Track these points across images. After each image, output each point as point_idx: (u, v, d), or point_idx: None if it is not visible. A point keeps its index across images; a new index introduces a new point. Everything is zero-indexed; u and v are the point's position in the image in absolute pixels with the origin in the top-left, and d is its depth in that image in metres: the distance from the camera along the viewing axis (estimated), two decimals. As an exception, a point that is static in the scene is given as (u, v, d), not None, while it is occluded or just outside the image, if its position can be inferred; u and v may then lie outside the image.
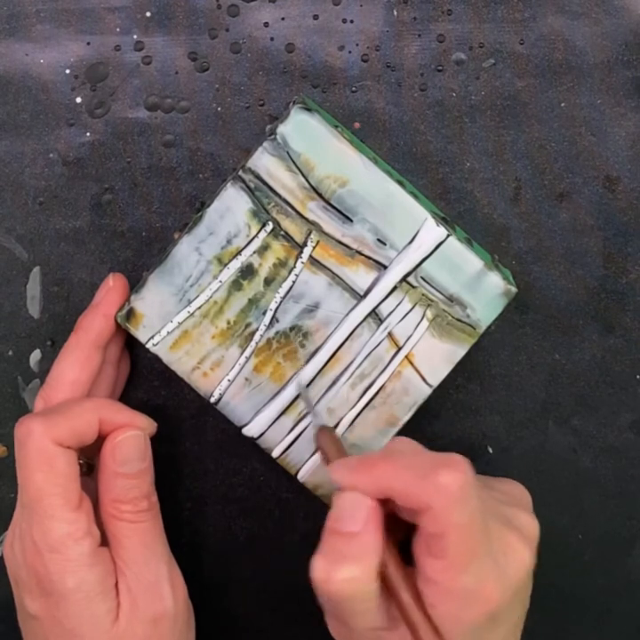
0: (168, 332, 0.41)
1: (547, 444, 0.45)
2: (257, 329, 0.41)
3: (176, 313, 0.41)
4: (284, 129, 0.39)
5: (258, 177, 0.40)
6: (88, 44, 0.44)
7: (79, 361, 0.41)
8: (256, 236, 0.40)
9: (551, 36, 0.44)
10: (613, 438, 0.45)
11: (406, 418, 0.41)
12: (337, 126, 0.40)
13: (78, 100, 0.44)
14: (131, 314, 0.41)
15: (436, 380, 0.41)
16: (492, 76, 0.44)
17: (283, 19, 0.44)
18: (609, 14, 0.44)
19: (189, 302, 0.41)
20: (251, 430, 0.41)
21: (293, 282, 0.40)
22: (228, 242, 0.40)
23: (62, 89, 0.44)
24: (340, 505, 0.35)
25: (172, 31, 0.44)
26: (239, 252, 0.40)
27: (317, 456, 0.41)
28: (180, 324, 0.41)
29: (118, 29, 0.44)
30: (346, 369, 0.41)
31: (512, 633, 0.37)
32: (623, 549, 0.46)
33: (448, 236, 0.40)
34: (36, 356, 0.45)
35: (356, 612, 0.35)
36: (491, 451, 0.45)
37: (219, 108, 0.44)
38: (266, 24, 0.44)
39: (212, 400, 0.41)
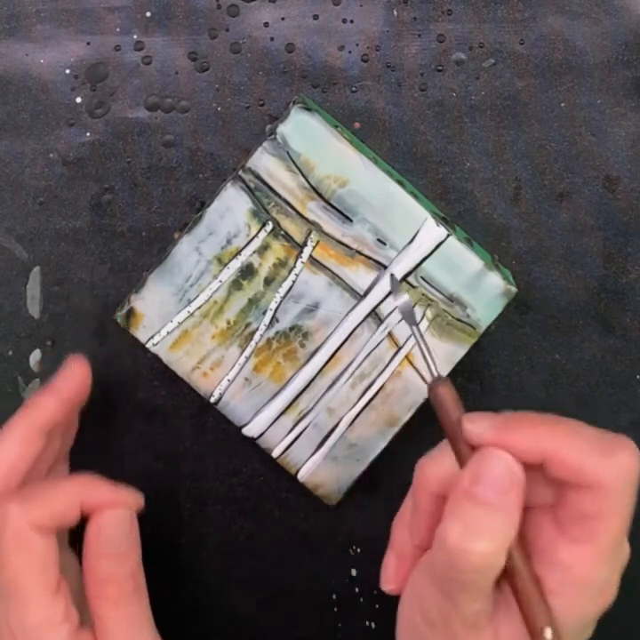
0: (168, 332, 0.41)
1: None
2: (257, 329, 0.41)
3: (176, 313, 0.41)
4: (283, 129, 0.39)
5: (258, 177, 0.40)
6: (88, 44, 0.44)
7: (19, 442, 0.38)
8: (256, 235, 0.40)
9: (551, 36, 0.44)
10: (613, 438, 0.45)
11: (406, 418, 0.41)
12: (337, 126, 0.40)
13: (78, 100, 0.44)
14: (131, 314, 0.41)
15: None
16: (492, 76, 0.44)
17: (283, 19, 0.44)
18: (609, 14, 0.44)
19: (189, 302, 0.41)
20: (251, 430, 0.41)
21: (293, 282, 0.40)
22: (228, 242, 0.40)
23: (62, 89, 0.44)
24: (482, 465, 0.32)
25: (172, 31, 0.44)
26: (239, 252, 0.40)
27: (317, 456, 0.41)
28: (179, 323, 0.41)
29: (118, 29, 0.44)
30: (346, 369, 0.41)
31: None
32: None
33: (448, 235, 0.40)
34: (35, 355, 0.45)
35: (473, 589, 0.32)
36: (491, 451, 0.45)
37: (219, 108, 0.44)
38: (266, 24, 0.44)
39: (212, 400, 0.41)
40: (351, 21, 0.44)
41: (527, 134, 0.44)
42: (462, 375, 0.45)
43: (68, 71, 0.44)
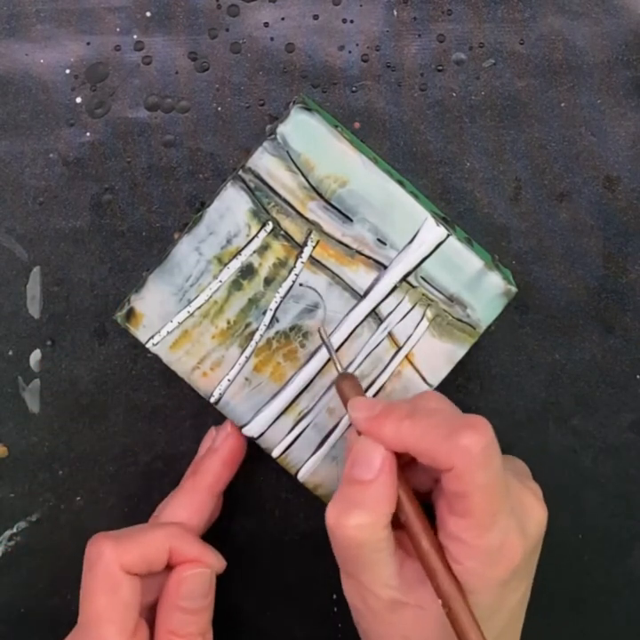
0: (168, 332, 0.41)
1: (547, 444, 0.45)
2: (257, 329, 0.41)
3: (176, 313, 0.41)
4: (283, 129, 0.39)
5: (258, 177, 0.40)
6: (88, 44, 0.44)
7: (193, 505, 0.41)
8: (256, 235, 0.40)
9: (551, 36, 0.44)
10: (613, 438, 0.45)
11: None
12: (337, 126, 0.40)
13: (78, 100, 0.44)
14: (131, 313, 0.41)
15: (436, 379, 0.41)
16: (492, 76, 0.44)
17: (283, 19, 0.44)
18: (609, 14, 0.44)
19: (189, 302, 0.41)
20: (251, 430, 0.41)
21: (293, 282, 0.40)
22: (228, 242, 0.40)
23: (62, 89, 0.44)
24: (356, 452, 0.36)
25: (172, 31, 0.44)
26: (239, 252, 0.40)
27: (317, 456, 0.41)
28: (179, 323, 0.41)
29: (118, 29, 0.44)
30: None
31: (528, 588, 0.38)
32: (623, 549, 0.46)
33: (448, 235, 0.40)
34: (36, 355, 0.45)
35: (367, 564, 0.35)
36: (491, 451, 0.45)
37: (219, 108, 0.44)
38: (266, 24, 0.44)
39: (212, 400, 0.41)
40: (351, 21, 0.44)
41: (527, 134, 0.44)
42: (462, 375, 0.45)
43: (68, 71, 0.44)
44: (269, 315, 0.41)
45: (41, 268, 0.45)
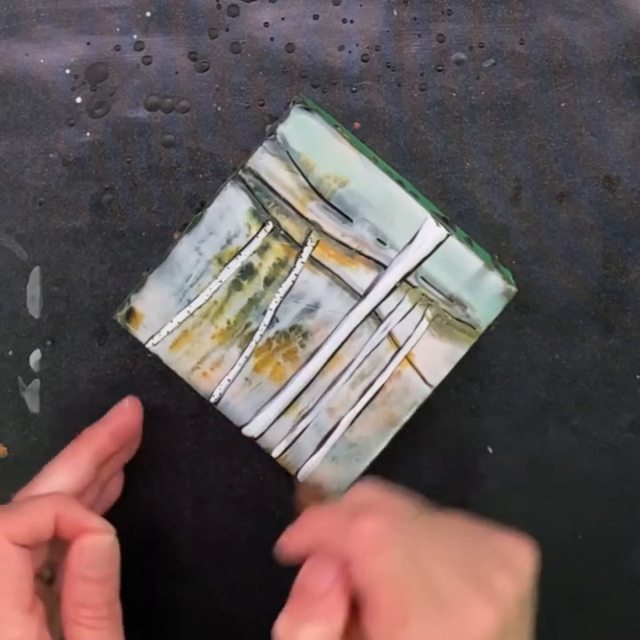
0: (168, 332, 0.41)
1: (547, 444, 0.45)
2: (257, 329, 0.41)
3: (176, 313, 0.41)
4: (283, 129, 0.39)
5: (258, 177, 0.40)
6: (88, 44, 0.44)
7: (72, 471, 0.40)
8: (256, 235, 0.40)
9: (551, 36, 0.44)
10: (613, 438, 0.45)
11: (406, 417, 0.41)
12: (337, 126, 0.40)
13: (78, 100, 0.44)
14: (131, 313, 0.41)
15: (436, 379, 0.41)
16: (492, 76, 0.44)
17: (283, 19, 0.44)
18: (609, 14, 0.44)
19: (189, 302, 0.41)
20: (250, 430, 0.41)
21: (293, 282, 0.40)
22: (228, 242, 0.40)
23: (62, 89, 0.44)
24: (308, 567, 0.34)
25: (172, 31, 0.44)
26: (239, 252, 0.40)
27: (317, 456, 0.41)
28: (179, 323, 0.41)
29: (118, 29, 0.44)
30: (346, 369, 0.41)
31: None
32: (623, 549, 0.46)
33: (448, 235, 0.40)
34: (35, 355, 0.45)
35: None
36: (491, 451, 0.45)
37: (219, 108, 0.44)
38: (266, 24, 0.44)
39: (212, 400, 0.41)
40: (351, 21, 0.44)
41: (527, 134, 0.44)
42: (462, 375, 0.45)
43: (68, 71, 0.44)
44: (269, 315, 0.41)
45: (41, 268, 0.45)
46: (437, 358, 0.41)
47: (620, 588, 0.46)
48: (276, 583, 0.46)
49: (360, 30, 0.44)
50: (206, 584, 0.46)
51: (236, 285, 0.41)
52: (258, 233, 0.40)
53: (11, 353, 0.45)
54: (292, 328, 0.41)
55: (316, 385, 0.41)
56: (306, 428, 0.41)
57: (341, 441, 0.41)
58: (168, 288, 0.40)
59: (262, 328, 0.41)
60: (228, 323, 0.41)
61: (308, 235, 0.40)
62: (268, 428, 0.41)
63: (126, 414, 0.42)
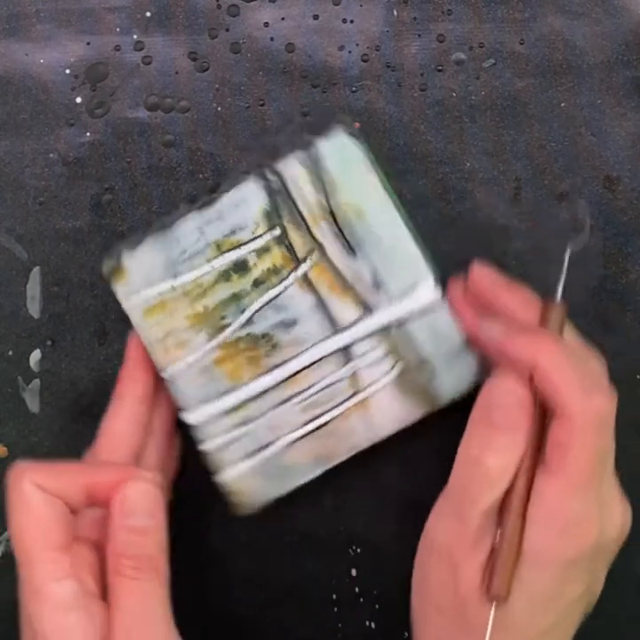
0: (146, 298, 0.40)
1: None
2: (230, 324, 0.40)
3: (160, 281, 0.40)
4: (323, 145, 0.39)
5: (282, 181, 0.40)
6: (88, 44, 0.44)
7: (125, 413, 0.40)
8: (261, 235, 0.40)
9: (551, 36, 0.44)
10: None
11: (342, 459, 0.41)
12: (373, 160, 0.40)
13: (78, 100, 0.44)
14: (118, 267, 0.40)
15: (382, 433, 0.41)
16: (492, 76, 0.44)
17: (283, 19, 0.44)
18: (609, 14, 0.44)
19: (175, 277, 0.40)
20: (190, 417, 0.41)
21: (280, 292, 0.40)
22: (233, 232, 0.40)
23: (62, 89, 0.44)
24: (496, 395, 0.37)
25: (172, 31, 0.44)
26: (240, 245, 0.40)
27: (244, 465, 0.41)
28: (160, 294, 0.40)
29: (118, 29, 0.44)
30: (302, 392, 0.41)
31: (588, 594, 0.38)
32: (623, 549, 0.46)
33: (444, 301, 0.40)
34: (35, 355, 0.45)
35: (482, 503, 0.36)
36: (491, 451, 0.45)
37: (219, 108, 0.44)
38: (266, 24, 0.44)
39: (164, 375, 0.41)
40: (351, 21, 0.44)
41: (527, 134, 0.44)
42: (462, 375, 0.45)
43: (68, 71, 0.44)
44: (247, 315, 0.40)
45: (41, 268, 0.45)
46: (392, 413, 0.40)
47: (620, 588, 0.46)
48: (276, 583, 0.46)
49: (360, 30, 0.44)
50: (207, 584, 0.46)
51: (225, 276, 0.40)
52: (264, 234, 0.40)
53: (11, 353, 0.45)
54: (264, 335, 0.40)
55: (268, 397, 0.41)
56: (243, 435, 0.41)
57: (274, 459, 0.41)
58: (161, 256, 0.40)
59: (236, 325, 0.40)
60: (205, 308, 0.40)
61: (311, 253, 0.40)
62: (208, 421, 0.41)
63: (135, 344, 0.42)
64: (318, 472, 0.41)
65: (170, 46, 0.44)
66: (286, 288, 0.40)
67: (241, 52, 0.44)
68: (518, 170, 0.44)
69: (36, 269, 0.45)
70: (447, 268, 0.44)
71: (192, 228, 0.40)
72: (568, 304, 0.39)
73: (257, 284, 0.40)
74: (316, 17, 0.44)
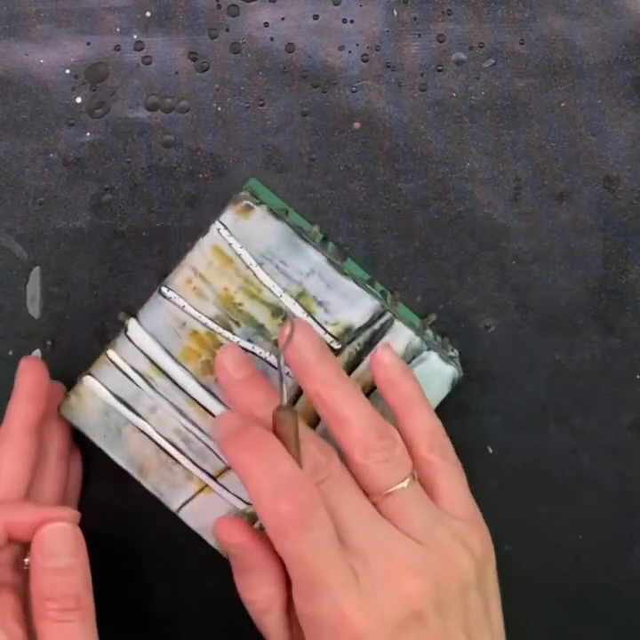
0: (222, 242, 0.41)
1: (547, 444, 0.45)
2: (232, 331, 0.41)
3: (248, 253, 0.40)
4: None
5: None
6: (88, 44, 0.44)
7: (11, 455, 0.39)
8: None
9: (551, 36, 0.44)
10: (613, 438, 0.45)
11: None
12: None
13: (78, 100, 0.44)
14: (249, 204, 0.40)
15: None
16: (492, 76, 0.44)
17: (283, 19, 0.44)
18: (609, 14, 0.44)
19: (260, 264, 0.40)
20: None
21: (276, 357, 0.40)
22: (311, 297, 0.41)
23: (62, 89, 0.44)
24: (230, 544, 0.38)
25: (172, 31, 0.44)
26: (298, 299, 0.41)
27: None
28: (237, 256, 0.40)
29: (118, 29, 0.44)
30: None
31: None
32: (623, 549, 0.46)
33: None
34: (35, 355, 0.45)
35: (269, 625, 0.38)
36: (491, 451, 0.45)
37: (219, 108, 0.44)
38: (266, 24, 0.44)
39: (164, 289, 0.41)
40: (351, 21, 0.44)
41: (527, 134, 0.44)
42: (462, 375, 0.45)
43: (68, 71, 0.44)
44: (245, 343, 0.41)
45: (41, 268, 0.45)
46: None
47: (620, 588, 0.46)
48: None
49: (360, 30, 0.44)
50: (206, 584, 0.46)
51: (276, 311, 0.41)
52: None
53: (11, 353, 0.45)
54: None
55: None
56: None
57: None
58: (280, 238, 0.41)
59: (230, 336, 0.41)
60: (238, 302, 0.41)
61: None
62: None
63: (28, 373, 0.41)
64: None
65: (170, 46, 0.44)
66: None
67: (241, 52, 0.44)
68: (518, 170, 0.44)
69: (36, 269, 0.45)
70: (447, 268, 0.44)
71: (308, 263, 0.40)
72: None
73: (275, 315, 0.41)
74: (316, 17, 0.44)
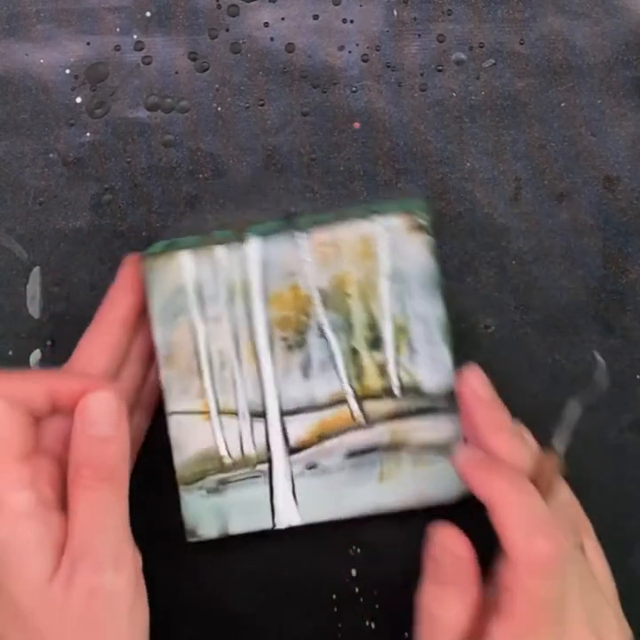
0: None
1: (547, 444, 0.45)
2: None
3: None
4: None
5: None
6: (88, 44, 0.44)
7: (102, 341, 0.39)
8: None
9: (551, 36, 0.44)
10: (613, 438, 0.45)
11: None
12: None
13: (78, 100, 0.44)
14: None
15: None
16: (492, 76, 0.44)
17: (283, 19, 0.44)
18: (609, 14, 0.44)
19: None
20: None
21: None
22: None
23: (62, 89, 0.44)
24: (437, 551, 0.37)
25: (172, 31, 0.44)
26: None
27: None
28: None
29: (118, 29, 0.44)
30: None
31: None
32: (623, 549, 0.46)
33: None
34: (35, 356, 0.45)
35: None
36: (491, 451, 0.45)
37: (219, 108, 0.44)
38: (266, 24, 0.44)
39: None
40: (351, 21, 0.44)
41: (527, 134, 0.44)
42: (462, 375, 0.45)
43: (68, 71, 0.44)
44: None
45: (41, 268, 0.45)
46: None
47: (620, 588, 0.46)
48: (277, 583, 0.46)
49: (360, 30, 0.44)
50: (206, 584, 0.46)
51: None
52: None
53: (11, 353, 0.45)
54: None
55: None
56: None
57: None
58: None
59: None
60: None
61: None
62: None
63: (134, 265, 0.41)
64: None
65: (170, 46, 0.44)
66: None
67: (241, 52, 0.44)
68: (518, 170, 0.44)
69: (36, 269, 0.45)
70: (447, 268, 0.44)
71: (434, 311, 0.41)
72: (561, 459, 0.39)
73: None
74: (316, 17, 0.44)
